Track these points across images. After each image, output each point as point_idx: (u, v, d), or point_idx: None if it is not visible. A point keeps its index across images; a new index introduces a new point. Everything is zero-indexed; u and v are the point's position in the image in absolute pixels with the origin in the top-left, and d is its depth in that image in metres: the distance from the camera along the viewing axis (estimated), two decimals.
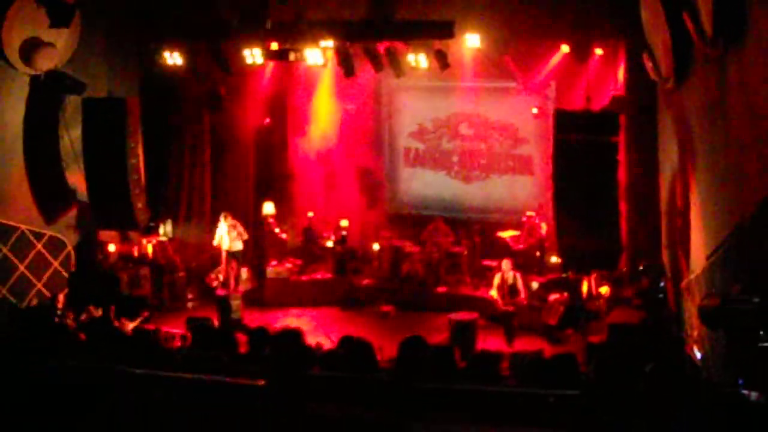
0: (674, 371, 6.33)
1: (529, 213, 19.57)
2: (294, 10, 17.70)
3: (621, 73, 17.51)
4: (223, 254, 18.91)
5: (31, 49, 16.04)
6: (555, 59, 18.31)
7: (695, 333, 12.43)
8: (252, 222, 20.81)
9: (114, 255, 18.68)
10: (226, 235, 18.67)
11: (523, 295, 17.18)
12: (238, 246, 18.89)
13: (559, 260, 16.90)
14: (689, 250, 13.24)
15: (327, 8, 17.64)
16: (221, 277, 18.96)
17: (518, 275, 17.34)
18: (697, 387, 6.50)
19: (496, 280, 17.29)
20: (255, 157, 21.66)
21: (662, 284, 15.95)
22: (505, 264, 17.38)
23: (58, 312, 15.51)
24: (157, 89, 19.34)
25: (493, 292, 17.22)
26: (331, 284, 19.84)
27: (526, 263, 18.82)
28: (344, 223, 20.65)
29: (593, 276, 16.83)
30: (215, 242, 18.82)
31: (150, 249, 19.37)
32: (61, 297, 16.29)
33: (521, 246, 19.36)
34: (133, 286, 18.43)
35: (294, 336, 7.81)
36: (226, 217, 18.67)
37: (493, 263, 18.52)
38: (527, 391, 6.96)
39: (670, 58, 12.02)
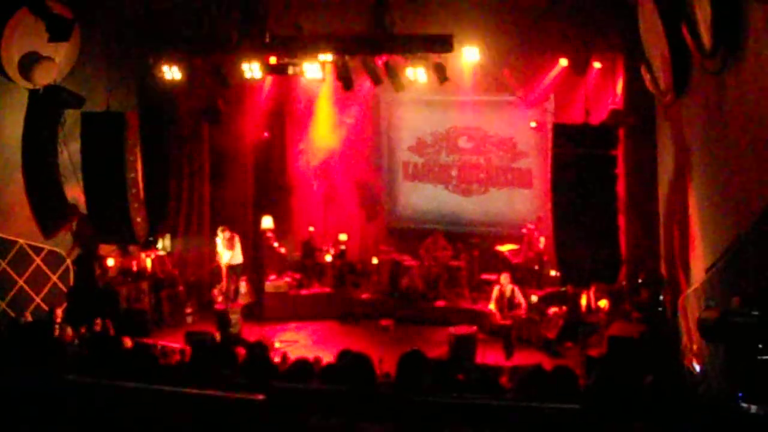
0: (673, 384, 6.32)
1: (529, 225, 19.53)
2: (292, 24, 17.72)
3: (619, 87, 17.52)
4: (223, 269, 18.93)
5: (29, 63, 16.05)
6: (553, 73, 18.33)
7: (695, 346, 12.41)
8: (251, 236, 20.80)
9: (113, 269, 18.66)
10: (225, 250, 18.71)
11: (522, 308, 17.18)
12: (238, 259, 18.92)
13: (558, 273, 16.90)
14: (688, 262, 13.23)
15: (325, 22, 17.66)
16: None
17: (516, 289, 17.37)
18: (696, 400, 6.50)
19: (495, 293, 17.32)
20: (254, 171, 21.65)
21: (661, 297, 15.93)
22: (504, 277, 17.40)
23: (57, 326, 15.49)
24: (155, 103, 19.36)
25: (492, 306, 17.23)
26: (329, 298, 19.85)
27: (525, 277, 18.84)
28: (343, 237, 20.67)
29: (592, 289, 16.82)
30: (219, 259, 18.91)
31: (149, 263, 19.36)
32: (58, 311, 16.28)
33: (520, 260, 19.34)
34: (132, 301, 18.42)
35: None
36: (223, 230, 18.72)
37: (492, 277, 18.52)
38: (526, 404, 6.95)
39: (669, 71, 12.03)
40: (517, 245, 19.62)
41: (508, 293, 17.23)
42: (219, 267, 19.05)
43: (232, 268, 18.93)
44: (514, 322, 16.93)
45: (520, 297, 17.25)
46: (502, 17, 17.01)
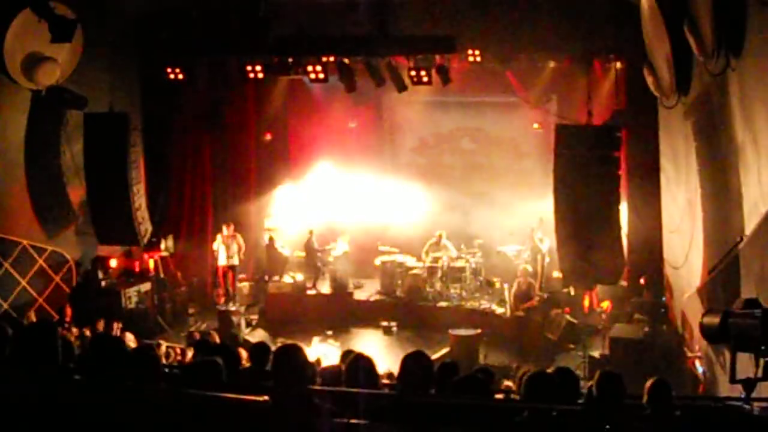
0: (676, 386, 6.31)
1: (538, 234, 19.28)
2: (295, 25, 17.72)
3: (622, 88, 17.51)
4: (219, 270, 18.95)
5: (32, 64, 16.04)
6: (556, 74, 18.34)
7: (697, 348, 12.43)
8: (253, 237, 20.78)
9: (115, 270, 18.66)
10: (223, 249, 18.71)
11: (535, 299, 17.17)
12: (235, 260, 18.92)
13: (561, 275, 16.89)
14: (691, 264, 13.24)
15: (328, 23, 17.64)
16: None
17: (532, 281, 17.37)
18: (698, 402, 6.48)
19: (514, 287, 17.32)
20: (256, 172, 21.64)
21: (664, 299, 15.94)
22: (523, 269, 17.42)
23: (66, 325, 15.53)
24: (158, 104, 19.36)
25: (509, 299, 17.22)
26: (332, 299, 19.80)
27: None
28: (346, 238, 20.63)
29: (595, 291, 16.81)
30: (219, 261, 18.92)
31: (151, 264, 19.35)
32: (69, 311, 16.35)
33: (523, 260, 19.30)
34: (135, 302, 18.40)
35: (295, 351, 7.80)
36: (228, 227, 18.71)
37: (496, 278, 18.50)
38: (529, 405, 6.94)
39: (672, 73, 12.04)
40: (521, 246, 19.57)
41: (523, 286, 17.24)
42: (216, 268, 19.07)
43: (230, 267, 18.97)
44: (526, 313, 16.93)
45: (532, 291, 17.26)
46: (505, 18, 17.00)
